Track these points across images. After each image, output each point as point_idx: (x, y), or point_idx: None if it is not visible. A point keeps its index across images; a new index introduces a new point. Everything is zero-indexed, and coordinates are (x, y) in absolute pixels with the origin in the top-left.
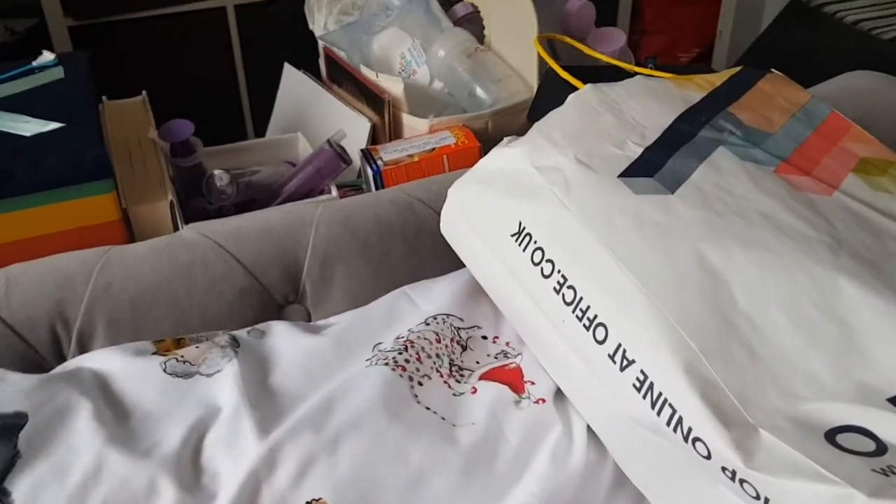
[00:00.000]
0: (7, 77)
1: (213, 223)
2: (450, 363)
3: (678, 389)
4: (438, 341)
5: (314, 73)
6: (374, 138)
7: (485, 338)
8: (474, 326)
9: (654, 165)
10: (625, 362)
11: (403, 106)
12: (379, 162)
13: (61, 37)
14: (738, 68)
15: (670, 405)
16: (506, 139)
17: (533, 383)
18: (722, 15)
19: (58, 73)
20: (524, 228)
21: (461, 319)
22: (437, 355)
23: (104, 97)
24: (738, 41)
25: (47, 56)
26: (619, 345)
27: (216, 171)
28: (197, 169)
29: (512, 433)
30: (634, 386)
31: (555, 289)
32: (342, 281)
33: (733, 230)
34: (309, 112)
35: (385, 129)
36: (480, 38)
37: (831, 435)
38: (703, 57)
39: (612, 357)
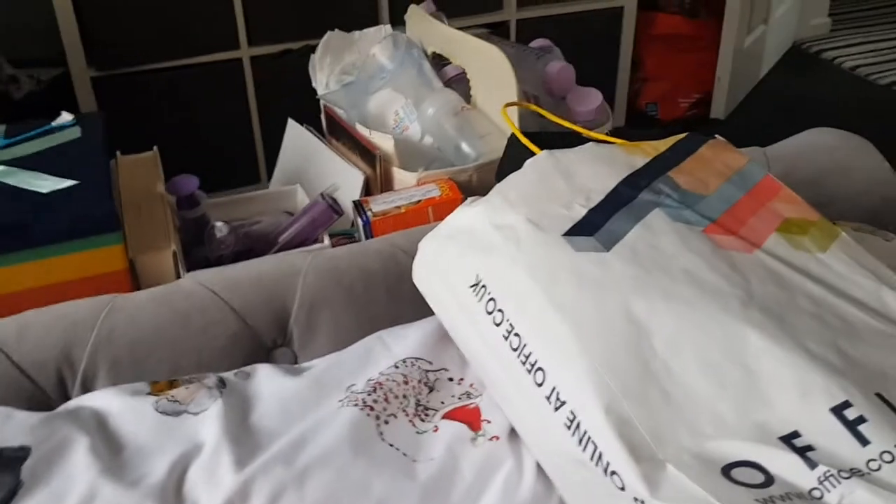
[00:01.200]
0: (28, 136)
1: (210, 272)
2: (416, 403)
3: (599, 427)
4: (406, 383)
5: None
6: (368, 189)
7: (451, 380)
8: (442, 369)
9: (595, 225)
10: (558, 403)
11: (394, 160)
12: (369, 213)
13: (85, 86)
14: (683, 135)
15: (593, 442)
16: (469, 199)
17: (489, 422)
18: (720, 61)
19: (75, 132)
20: (480, 280)
21: (430, 363)
22: (405, 396)
23: (118, 152)
24: (738, 86)
25: (66, 117)
26: (554, 388)
27: (217, 224)
28: (201, 220)
29: (467, 468)
30: (565, 424)
31: (504, 336)
32: (327, 326)
33: (658, 285)
34: (309, 165)
35: (377, 181)
36: (467, 98)
37: (727, 469)
38: (703, 102)
39: (548, 398)
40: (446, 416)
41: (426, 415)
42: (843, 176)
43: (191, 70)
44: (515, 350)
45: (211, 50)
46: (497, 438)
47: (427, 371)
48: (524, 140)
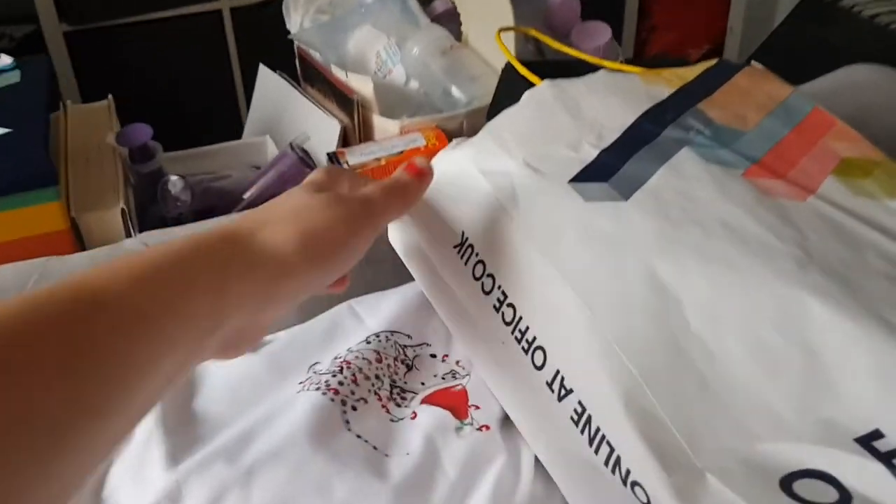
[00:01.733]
0: None
1: (160, 232)
2: (391, 385)
3: (616, 424)
4: (379, 361)
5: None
6: (346, 141)
7: (433, 356)
8: (423, 344)
9: (610, 169)
10: (563, 391)
11: (374, 106)
12: (345, 166)
13: (57, 43)
14: (713, 61)
15: (608, 443)
16: (454, 141)
17: (478, 408)
18: (732, 11)
19: (14, 77)
20: (467, 239)
21: (409, 336)
22: (377, 376)
23: (68, 101)
24: (750, 37)
25: (4, 60)
26: (558, 371)
27: (171, 178)
28: (157, 174)
29: (450, 464)
30: (572, 419)
31: (495, 307)
32: None
33: (690, 241)
34: (282, 114)
35: (355, 130)
36: (458, 36)
37: (788, 481)
38: (714, 54)
39: (550, 385)
40: (426, 401)
41: (403, 398)
42: (890, 114)
43: (168, 23)
44: (509, 325)
45: (189, 1)
46: (487, 428)
47: (405, 346)
48: (521, 69)
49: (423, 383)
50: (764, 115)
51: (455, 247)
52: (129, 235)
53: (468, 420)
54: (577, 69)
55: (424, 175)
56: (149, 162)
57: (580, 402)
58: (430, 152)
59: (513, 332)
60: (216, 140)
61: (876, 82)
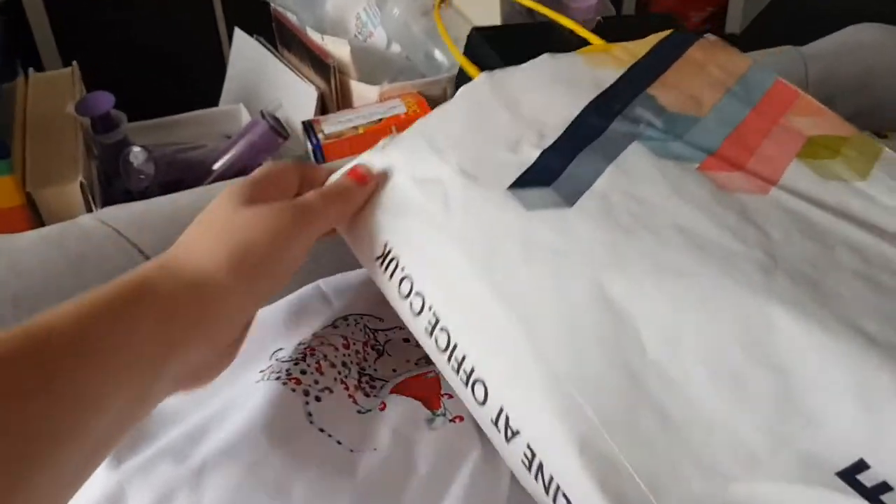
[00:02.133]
0: None
1: (116, 208)
2: (359, 372)
3: (571, 473)
4: (346, 347)
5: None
6: (324, 108)
7: (407, 341)
8: (396, 327)
9: (552, 171)
10: (510, 432)
11: (351, 71)
12: (320, 135)
13: (36, 8)
14: (667, 32)
15: (564, 494)
16: (382, 141)
17: (451, 397)
18: None
19: None
20: (389, 252)
21: (380, 320)
22: (344, 364)
23: (30, 69)
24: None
25: None
26: (501, 409)
27: (133, 149)
28: (121, 145)
29: (422, 460)
30: (524, 463)
31: (427, 330)
32: None
33: (642, 252)
34: (258, 81)
35: (333, 97)
36: None
37: None
38: (717, 16)
39: (495, 423)
40: (396, 390)
41: (372, 387)
42: (894, 77)
43: None
44: (444, 351)
45: None
46: (461, 419)
47: (376, 330)
48: (458, 58)
49: (394, 370)
50: (721, 95)
51: (377, 258)
52: (89, 210)
53: (441, 410)
54: (543, 31)
55: (367, 180)
56: (112, 132)
57: (529, 447)
58: (411, 120)
59: (449, 361)
60: (203, 106)
61: (881, 42)
